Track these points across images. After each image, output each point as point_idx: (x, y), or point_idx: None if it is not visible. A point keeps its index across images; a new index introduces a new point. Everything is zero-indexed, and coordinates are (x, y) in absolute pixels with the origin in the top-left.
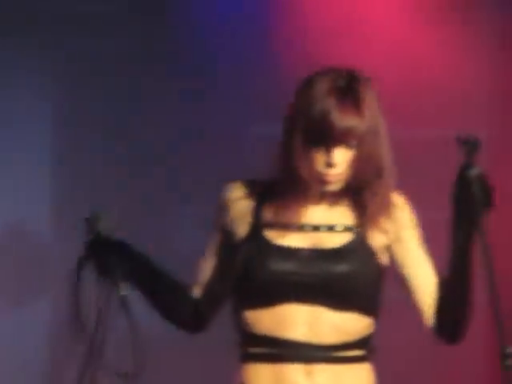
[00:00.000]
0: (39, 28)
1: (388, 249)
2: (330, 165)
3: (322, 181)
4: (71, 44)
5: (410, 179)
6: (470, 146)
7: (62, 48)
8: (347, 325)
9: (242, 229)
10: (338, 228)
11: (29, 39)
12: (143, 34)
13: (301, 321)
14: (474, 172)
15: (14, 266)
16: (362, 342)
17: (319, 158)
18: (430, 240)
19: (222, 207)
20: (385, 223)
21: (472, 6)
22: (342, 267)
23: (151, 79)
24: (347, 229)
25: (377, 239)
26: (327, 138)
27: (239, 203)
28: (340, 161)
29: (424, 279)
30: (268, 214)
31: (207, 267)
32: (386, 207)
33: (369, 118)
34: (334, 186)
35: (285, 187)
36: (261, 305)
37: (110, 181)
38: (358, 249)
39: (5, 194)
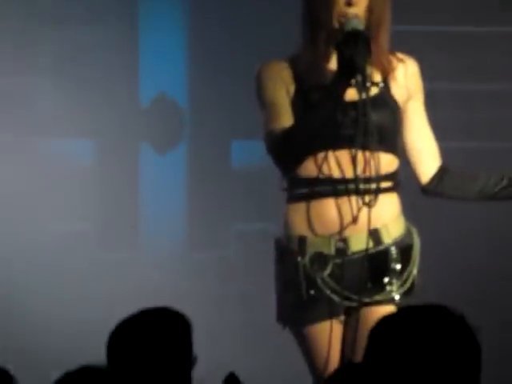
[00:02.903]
0: None
1: (405, 103)
2: (349, 3)
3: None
4: None
5: None
6: None
7: None
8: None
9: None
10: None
11: None
12: None
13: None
14: None
15: None
16: (392, 175)
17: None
18: None
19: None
20: (400, 78)
21: None
22: (373, 115)
23: None
24: (373, 83)
25: (397, 93)
26: None
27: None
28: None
29: (426, 141)
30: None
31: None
32: (387, 55)
33: None
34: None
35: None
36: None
37: None
38: (386, 100)
39: None
